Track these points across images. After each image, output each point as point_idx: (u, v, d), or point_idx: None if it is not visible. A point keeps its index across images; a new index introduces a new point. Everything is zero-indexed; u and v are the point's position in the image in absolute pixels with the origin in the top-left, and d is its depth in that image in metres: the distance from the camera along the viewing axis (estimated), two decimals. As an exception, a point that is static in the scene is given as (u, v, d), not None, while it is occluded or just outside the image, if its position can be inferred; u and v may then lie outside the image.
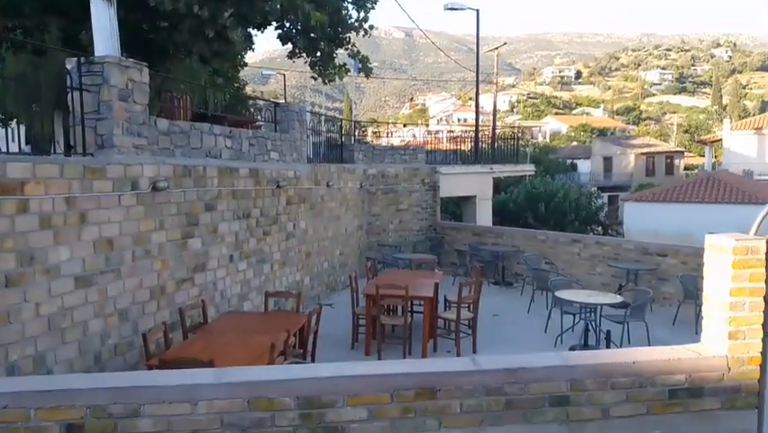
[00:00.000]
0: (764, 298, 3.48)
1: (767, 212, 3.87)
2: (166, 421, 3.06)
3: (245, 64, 16.05)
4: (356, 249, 13.62)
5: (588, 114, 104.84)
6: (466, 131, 25.72)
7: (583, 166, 56.15)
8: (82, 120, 6.08)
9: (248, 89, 30.60)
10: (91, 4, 6.84)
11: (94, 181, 5.57)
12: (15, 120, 15.44)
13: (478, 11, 20.38)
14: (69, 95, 6.14)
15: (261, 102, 13.91)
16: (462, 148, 22.17)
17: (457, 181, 16.72)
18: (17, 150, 13.75)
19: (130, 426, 3.02)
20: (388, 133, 32.02)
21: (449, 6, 20.33)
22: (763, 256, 3.44)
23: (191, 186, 7.09)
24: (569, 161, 56.91)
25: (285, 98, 32.61)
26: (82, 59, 6.20)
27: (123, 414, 3.03)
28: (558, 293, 8.62)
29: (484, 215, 17.86)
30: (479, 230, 14.98)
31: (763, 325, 3.50)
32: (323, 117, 23.25)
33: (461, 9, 20.47)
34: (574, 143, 74.53)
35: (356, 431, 3.21)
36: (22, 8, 10.26)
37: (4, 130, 15.59)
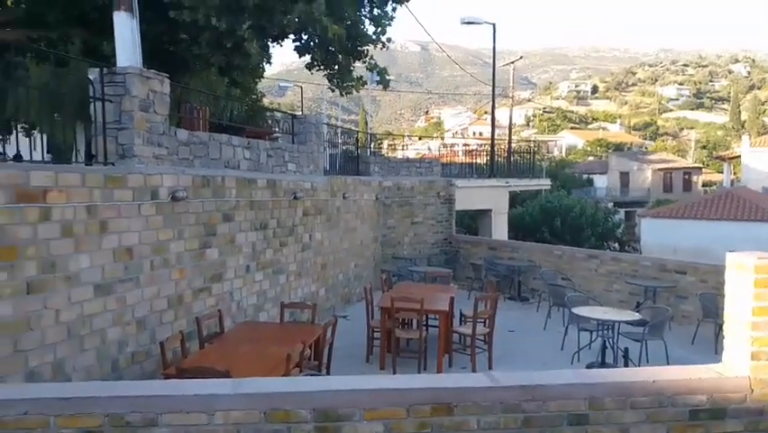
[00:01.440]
0: (789, 318, 3.41)
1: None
2: (183, 431, 3.07)
3: (263, 76, 16.19)
4: (371, 261, 13.61)
5: (604, 128, 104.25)
6: (481, 144, 25.74)
7: (600, 181, 55.82)
8: (104, 130, 6.18)
9: (265, 101, 30.90)
10: (114, 17, 6.95)
11: (114, 190, 5.63)
12: (38, 129, 15.69)
13: (494, 25, 20.45)
14: (92, 105, 6.24)
15: (279, 114, 14.01)
16: (478, 161, 22.18)
17: (473, 195, 16.70)
18: (40, 158, 13.97)
19: (147, 435, 3.03)
20: (403, 146, 32.10)
21: (465, 21, 20.43)
22: (788, 276, 3.38)
23: (210, 196, 7.14)
24: (585, 176, 56.64)
25: (302, 110, 32.82)
26: (105, 70, 6.31)
27: (140, 423, 3.04)
28: (575, 309, 8.53)
29: (500, 229, 17.80)
30: (494, 244, 14.92)
31: (787, 346, 3.44)
32: (339, 129, 23.40)
33: (478, 23, 20.55)
34: (591, 158, 74.16)
35: (372, 445, 3.19)
36: (47, 19, 10.46)
37: (27, 138, 15.90)
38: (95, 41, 11.98)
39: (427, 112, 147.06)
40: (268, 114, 18.31)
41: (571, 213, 23.83)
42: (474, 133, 78.63)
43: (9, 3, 11.77)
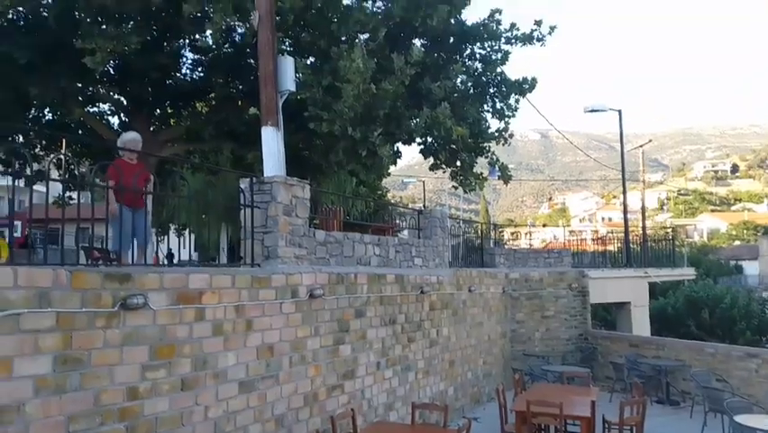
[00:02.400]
0: None
1: None
2: None
3: (389, 174, 16.95)
4: (500, 358, 13.10)
5: (750, 210, 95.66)
6: (612, 231, 24.54)
7: (750, 267, 50.63)
8: (252, 234, 6.70)
9: (389, 195, 32.06)
10: (262, 132, 7.72)
11: (260, 290, 6.01)
12: (188, 229, 17.27)
13: (620, 111, 20.03)
14: (242, 211, 6.83)
15: (404, 209, 14.44)
16: (610, 249, 21.08)
17: (608, 286, 15.76)
18: (188, 256, 15.38)
19: None
20: (527, 234, 31.45)
21: (589, 109, 20.22)
22: None
23: (343, 293, 7.38)
24: (732, 263, 51.66)
25: (424, 203, 33.69)
26: (254, 180, 6.94)
27: None
28: (738, 418, 7.54)
29: (640, 323, 16.50)
30: (636, 340, 13.79)
31: None
32: (460, 220, 23.54)
33: (603, 111, 20.24)
34: (737, 242, 67.87)
35: None
36: (202, 135, 11.86)
37: (178, 238, 17.45)
38: (241, 151, 13.33)
39: (550, 198, 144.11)
40: (391, 207, 18.97)
41: (720, 304, 21.63)
42: (603, 219, 75.48)
43: (172, 122, 13.52)
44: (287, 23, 9.55)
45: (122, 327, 4.67)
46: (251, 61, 11.03)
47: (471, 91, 11.59)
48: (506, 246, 18.80)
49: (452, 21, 10.58)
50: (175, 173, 15.23)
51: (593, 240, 23.63)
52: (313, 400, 6.68)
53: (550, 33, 11.68)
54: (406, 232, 12.81)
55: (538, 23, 11.55)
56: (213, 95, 12.25)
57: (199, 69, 12.27)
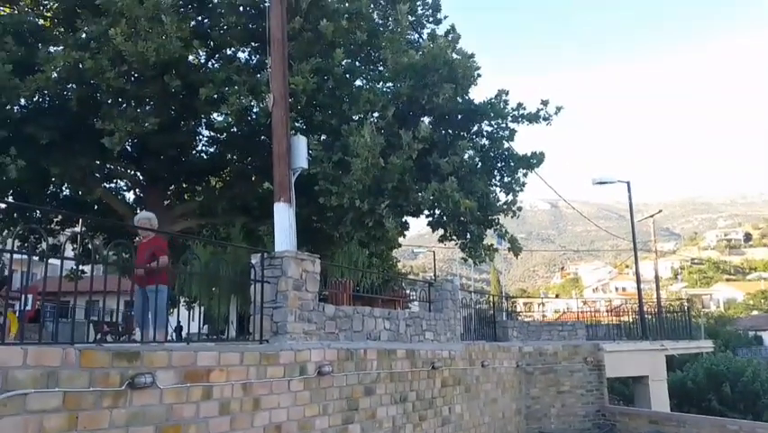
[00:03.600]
0: None
1: None
2: None
3: (399, 245, 17.02)
4: (515, 436, 12.64)
5: (766, 279, 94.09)
6: (627, 300, 24.20)
7: (771, 338, 49.19)
8: (261, 309, 6.69)
9: (399, 265, 32.03)
10: (275, 208, 7.88)
11: (268, 367, 5.94)
12: (197, 302, 17.25)
13: (629, 183, 20.21)
14: (252, 286, 6.85)
15: (414, 279, 14.40)
16: (624, 320, 20.69)
17: (624, 359, 15.38)
18: (197, 329, 15.28)
19: None
20: (540, 305, 31.01)
21: (597, 181, 20.43)
22: None
23: (352, 369, 7.26)
24: (751, 333, 50.35)
25: (435, 273, 33.55)
26: (265, 255, 7.00)
27: None
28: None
29: (659, 397, 15.97)
30: (656, 417, 13.30)
31: None
32: (472, 291, 23.35)
33: (611, 183, 20.44)
34: (755, 312, 66.30)
35: None
36: (215, 210, 12.08)
37: (187, 311, 17.49)
38: (253, 224, 13.53)
39: (563, 268, 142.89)
40: (399, 277, 18.93)
41: (741, 377, 20.94)
42: (617, 289, 74.47)
43: (186, 197, 13.82)
44: (300, 104, 9.92)
45: (128, 407, 4.62)
46: (265, 138, 11.38)
47: (479, 166, 11.80)
48: (519, 318, 18.55)
49: (459, 99, 10.93)
50: (187, 248, 15.45)
51: (607, 311, 23.27)
52: (321, 483, 6.45)
53: (556, 113, 11.97)
54: (416, 303, 12.71)
55: (545, 102, 11.88)
56: (227, 170, 12.58)
57: (214, 147, 12.66)
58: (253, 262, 6.93)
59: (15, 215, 12.79)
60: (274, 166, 8.18)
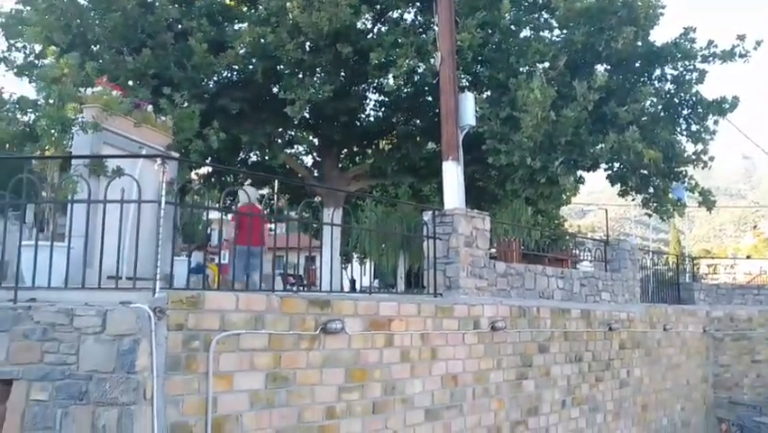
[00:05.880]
0: None
1: None
2: None
3: (569, 202, 16.32)
4: (701, 405, 11.75)
5: None
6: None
7: None
8: (434, 264, 6.90)
9: (566, 225, 30.77)
10: (443, 166, 7.98)
11: (443, 320, 6.16)
12: (368, 258, 18.14)
13: None
14: (425, 242, 7.08)
15: (587, 239, 13.77)
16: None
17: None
18: (368, 283, 16.16)
19: None
20: (730, 267, 27.98)
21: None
22: None
23: (525, 326, 7.25)
24: None
25: (607, 233, 31.61)
26: (436, 212, 7.17)
27: None
28: None
29: None
30: None
31: None
32: (650, 252, 21.72)
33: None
34: None
35: None
36: (386, 171, 12.52)
37: (360, 266, 18.47)
38: (419, 184, 13.83)
39: (755, 226, 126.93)
40: (567, 237, 18.17)
41: None
42: (826, 251, 64.46)
43: (358, 160, 14.50)
44: (465, 61, 9.81)
45: (322, 350, 5.09)
46: (430, 99, 11.47)
47: (662, 113, 10.81)
48: (704, 281, 16.97)
49: (639, 42, 10.03)
50: (359, 207, 16.26)
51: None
52: (496, 434, 6.61)
53: (755, 48, 10.52)
54: (585, 263, 12.21)
55: (741, 37, 10.47)
56: (394, 132, 12.92)
57: (382, 110, 13.05)
58: (425, 219, 7.13)
59: (213, 179, 14.40)
60: (442, 125, 8.24)
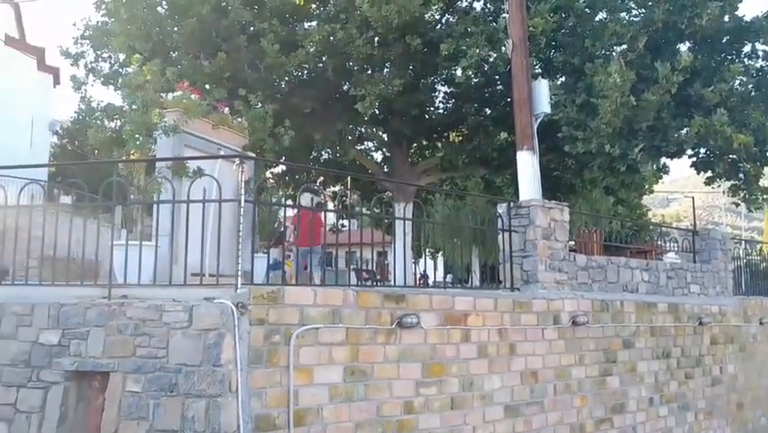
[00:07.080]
0: None
1: None
2: None
3: (651, 191, 15.56)
4: (805, 405, 10.91)
5: None
6: None
7: None
8: (510, 258, 6.74)
9: (649, 214, 29.41)
10: (518, 156, 7.77)
11: (521, 315, 6.00)
12: (440, 252, 17.99)
13: None
14: (500, 235, 6.91)
15: (672, 228, 13.07)
16: None
17: None
18: (441, 278, 16.01)
19: None
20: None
21: None
22: None
23: (609, 321, 6.96)
24: None
25: (694, 222, 29.92)
26: (511, 204, 6.99)
27: None
28: None
29: None
30: None
31: None
32: (742, 241, 20.35)
33: None
34: None
35: None
36: (456, 163, 12.38)
37: (431, 261, 18.34)
38: (492, 176, 13.58)
39: None
40: (651, 228, 17.34)
41: None
42: None
43: (428, 153, 14.42)
44: (538, 47, 9.53)
45: (398, 344, 5.09)
46: (501, 88, 11.22)
47: (753, 93, 10.08)
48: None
49: (726, 17, 9.39)
50: (429, 201, 16.14)
51: None
52: (579, 431, 6.38)
53: None
54: (671, 254, 11.60)
55: None
56: (465, 124, 12.74)
57: (452, 101, 12.90)
58: (500, 211, 6.96)
59: (287, 178, 14.73)
60: (515, 113, 8.02)
